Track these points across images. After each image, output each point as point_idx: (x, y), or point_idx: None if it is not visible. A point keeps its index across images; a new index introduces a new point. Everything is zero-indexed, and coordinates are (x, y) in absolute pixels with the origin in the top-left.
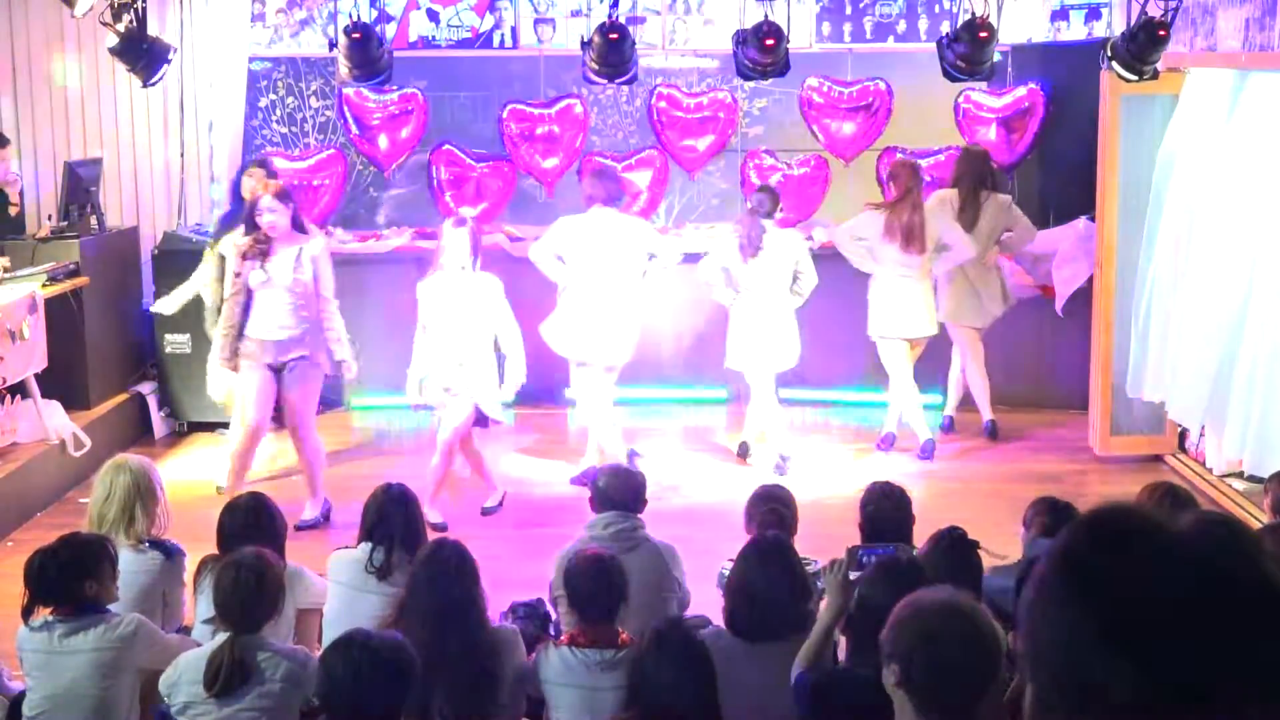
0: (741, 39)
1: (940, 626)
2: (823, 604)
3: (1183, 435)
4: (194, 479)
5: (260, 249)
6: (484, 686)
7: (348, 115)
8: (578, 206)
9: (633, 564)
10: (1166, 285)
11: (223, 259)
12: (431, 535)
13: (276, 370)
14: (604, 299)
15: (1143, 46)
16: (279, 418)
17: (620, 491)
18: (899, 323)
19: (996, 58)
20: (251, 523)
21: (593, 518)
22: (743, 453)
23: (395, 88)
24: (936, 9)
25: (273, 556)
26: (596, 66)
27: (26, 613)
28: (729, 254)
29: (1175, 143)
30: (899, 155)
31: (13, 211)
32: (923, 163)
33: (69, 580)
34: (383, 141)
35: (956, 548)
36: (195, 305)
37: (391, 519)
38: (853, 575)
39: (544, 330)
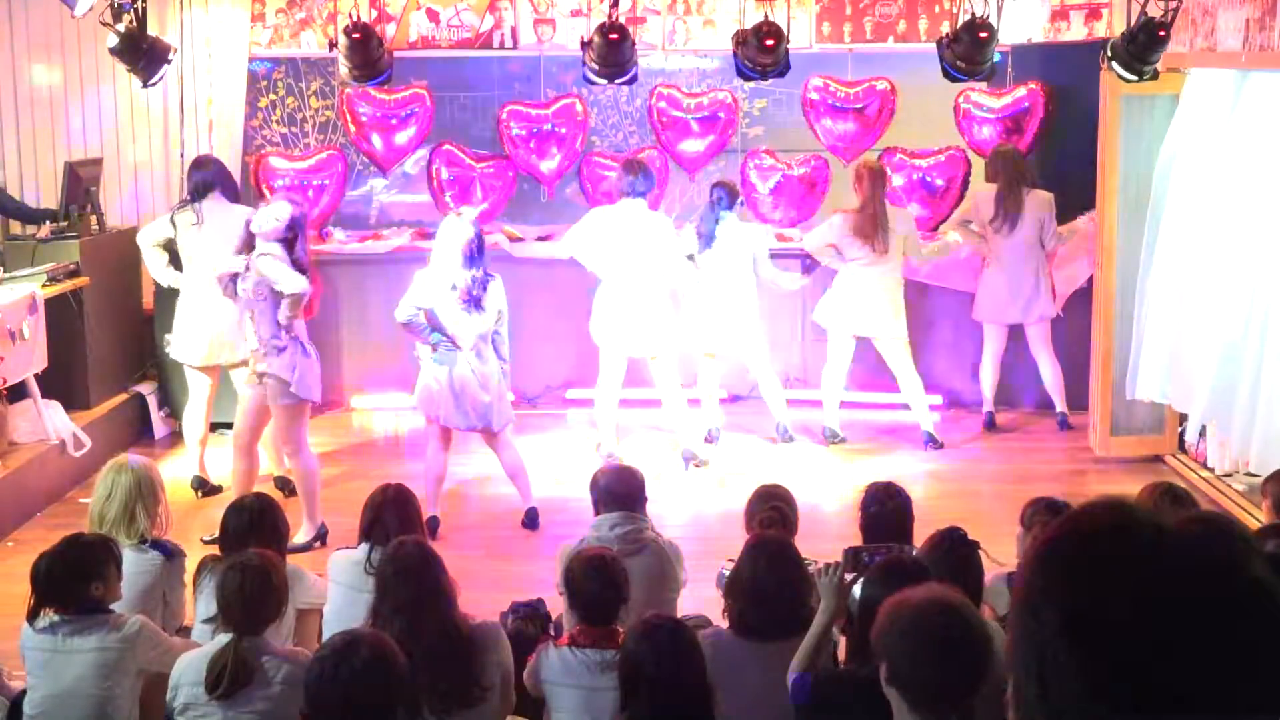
0: (741, 39)
1: (924, 623)
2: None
3: (1183, 435)
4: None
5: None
6: (463, 677)
7: (347, 115)
8: (576, 206)
9: (638, 565)
10: (1167, 286)
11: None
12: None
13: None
14: (636, 290)
15: (1143, 46)
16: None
17: (622, 490)
18: (850, 319)
19: (996, 58)
20: (256, 523)
21: (596, 518)
22: (710, 439)
23: (403, 88)
24: (936, 9)
25: (277, 559)
26: (596, 66)
27: (33, 615)
28: (692, 245)
29: (1176, 143)
30: (864, 156)
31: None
32: (922, 163)
33: (75, 582)
34: (385, 141)
35: (957, 548)
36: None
37: (388, 519)
38: (848, 577)
39: (592, 328)
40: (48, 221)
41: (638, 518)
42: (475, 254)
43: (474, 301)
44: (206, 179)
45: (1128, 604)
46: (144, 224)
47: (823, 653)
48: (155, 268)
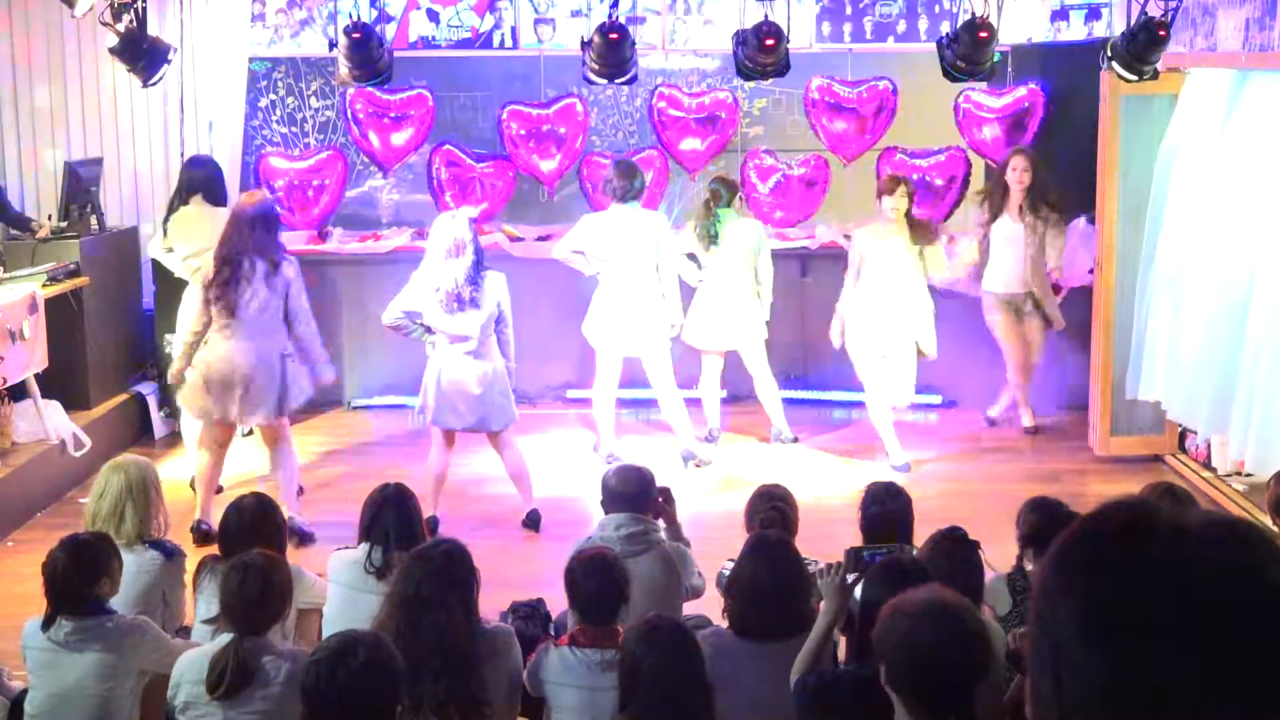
0: (741, 39)
1: (919, 625)
2: (820, 607)
3: (1183, 435)
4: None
5: None
6: (469, 680)
7: (347, 115)
8: (576, 206)
9: (642, 567)
10: (1167, 286)
11: None
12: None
13: None
14: (635, 290)
15: (1143, 46)
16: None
17: (629, 491)
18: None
19: (996, 58)
20: (256, 523)
21: (603, 518)
22: (709, 439)
23: (405, 89)
24: (936, 9)
25: (279, 559)
26: (596, 66)
27: (48, 622)
28: (692, 243)
29: (1175, 143)
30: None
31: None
32: (922, 162)
33: (85, 580)
34: (385, 141)
35: (957, 548)
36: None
37: (386, 518)
38: (850, 577)
39: (585, 329)
40: (25, 230)
41: (646, 519)
42: (459, 252)
43: (460, 301)
44: (191, 180)
45: (1145, 605)
46: (143, 224)
47: (825, 654)
48: (180, 270)
